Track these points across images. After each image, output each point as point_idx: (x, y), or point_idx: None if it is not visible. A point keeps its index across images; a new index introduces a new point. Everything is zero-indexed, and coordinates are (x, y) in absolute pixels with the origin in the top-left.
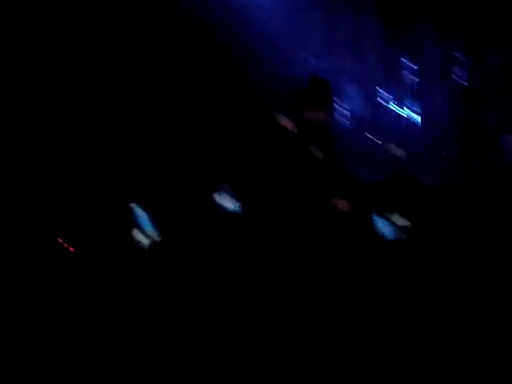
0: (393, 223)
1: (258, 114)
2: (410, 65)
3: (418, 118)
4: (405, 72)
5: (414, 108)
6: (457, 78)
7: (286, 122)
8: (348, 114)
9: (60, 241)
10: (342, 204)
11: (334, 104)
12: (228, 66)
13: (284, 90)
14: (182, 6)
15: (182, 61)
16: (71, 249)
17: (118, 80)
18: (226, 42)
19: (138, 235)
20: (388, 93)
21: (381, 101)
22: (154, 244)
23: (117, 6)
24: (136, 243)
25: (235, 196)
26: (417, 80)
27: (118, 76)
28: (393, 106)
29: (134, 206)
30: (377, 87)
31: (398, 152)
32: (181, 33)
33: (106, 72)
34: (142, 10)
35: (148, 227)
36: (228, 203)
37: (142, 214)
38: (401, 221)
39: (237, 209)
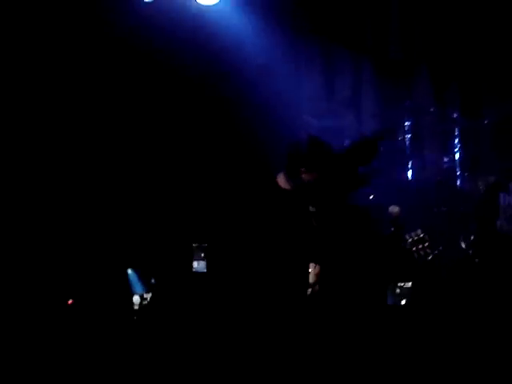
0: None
1: (256, 173)
2: (407, 123)
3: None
4: (401, 130)
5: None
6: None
7: (283, 182)
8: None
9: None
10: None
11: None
12: (229, 126)
13: (283, 150)
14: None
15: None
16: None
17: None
18: (227, 105)
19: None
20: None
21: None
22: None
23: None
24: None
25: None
26: (410, 137)
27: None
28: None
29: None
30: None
31: (396, 210)
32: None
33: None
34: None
35: (138, 288)
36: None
37: (133, 277)
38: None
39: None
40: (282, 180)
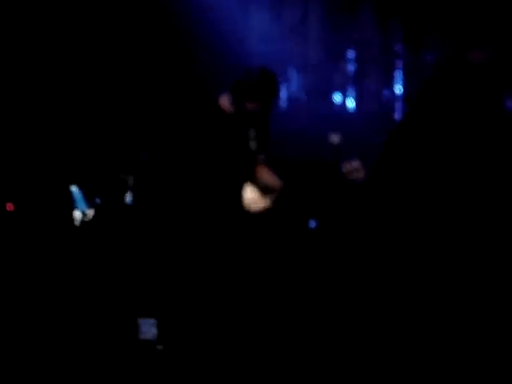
0: None
1: (199, 97)
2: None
3: (353, 106)
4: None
5: (351, 96)
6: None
7: (225, 105)
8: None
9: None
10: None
11: (278, 94)
12: (175, 51)
13: (228, 77)
14: None
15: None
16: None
17: None
18: (173, 30)
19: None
20: (330, 80)
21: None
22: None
23: None
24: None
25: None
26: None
27: None
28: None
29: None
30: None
31: (336, 138)
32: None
33: None
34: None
35: (82, 205)
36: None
37: (77, 193)
38: None
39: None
40: (224, 102)
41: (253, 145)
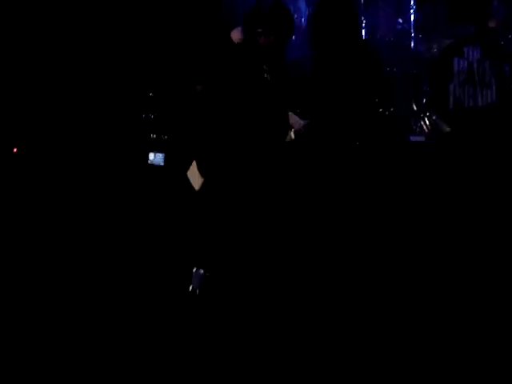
0: None
1: (213, 31)
2: None
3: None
4: None
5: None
6: None
7: (237, 38)
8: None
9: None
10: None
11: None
12: None
13: (239, 11)
14: None
15: None
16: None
17: None
18: None
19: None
20: None
21: None
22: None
23: None
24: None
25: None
26: None
27: None
28: None
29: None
30: None
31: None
32: None
33: None
34: None
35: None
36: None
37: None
38: None
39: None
40: (236, 35)
41: (268, 77)
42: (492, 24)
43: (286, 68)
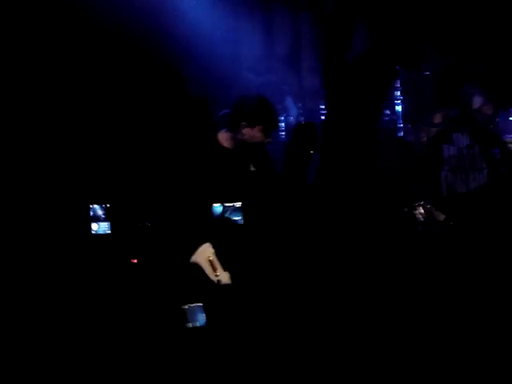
0: None
1: (196, 130)
2: None
3: None
4: None
5: None
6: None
7: (224, 140)
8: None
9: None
10: None
11: (275, 119)
12: (168, 82)
13: (224, 107)
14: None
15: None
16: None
17: None
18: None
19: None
20: None
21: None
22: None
23: None
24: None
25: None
26: None
27: None
28: None
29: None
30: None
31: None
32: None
33: None
34: None
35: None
36: None
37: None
38: None
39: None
40: (223, 137)
41: (254, 175)
42: (476, 105)
43: (270, 161)
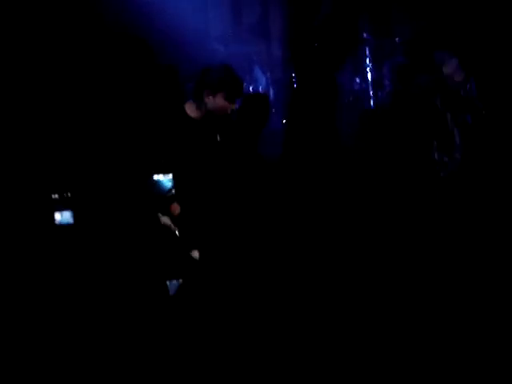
0: None
1: (164, 101)
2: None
3: None
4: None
5: None
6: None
7: (190, 110)
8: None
9: None
10: None
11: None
12: (134, 56)
13: (192, 78)
14: None
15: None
16: None
17: None
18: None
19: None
20: None
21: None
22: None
23: None
24: None
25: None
26: None
27: None
28: None
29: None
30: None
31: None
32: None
33: None
34: None
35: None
36: None
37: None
38: None
39: None
40: (190, 107)
41: (220, 146)
42: (447, 71)
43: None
